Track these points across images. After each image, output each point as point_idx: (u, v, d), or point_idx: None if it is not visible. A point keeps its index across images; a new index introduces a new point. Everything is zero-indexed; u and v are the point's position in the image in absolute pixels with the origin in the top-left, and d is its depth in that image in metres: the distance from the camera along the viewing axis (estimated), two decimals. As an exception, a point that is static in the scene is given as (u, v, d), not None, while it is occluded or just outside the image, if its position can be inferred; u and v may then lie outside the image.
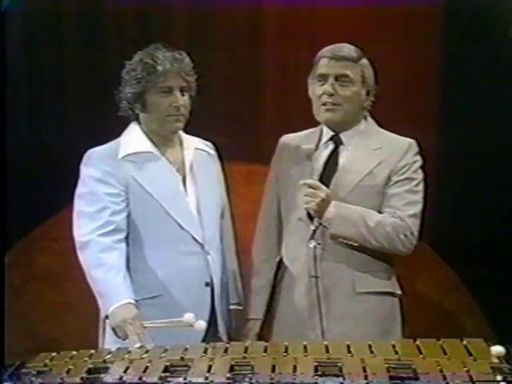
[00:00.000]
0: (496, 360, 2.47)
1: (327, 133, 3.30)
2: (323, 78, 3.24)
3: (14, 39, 4.53)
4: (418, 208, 3.21)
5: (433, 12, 4.49)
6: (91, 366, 2.58)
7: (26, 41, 4.66)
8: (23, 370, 2.60)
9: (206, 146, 3.40)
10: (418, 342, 2.59)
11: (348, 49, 3.25)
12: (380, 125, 3.36)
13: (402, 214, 3.17)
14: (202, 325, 2.81)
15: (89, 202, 3.16)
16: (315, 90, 3.26)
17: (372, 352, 2.55)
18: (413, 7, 4.38)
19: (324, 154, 3.28)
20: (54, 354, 2.70)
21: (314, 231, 3.21)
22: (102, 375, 2.53)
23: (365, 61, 3.27)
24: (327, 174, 3.24)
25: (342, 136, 3.27)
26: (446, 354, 2.51)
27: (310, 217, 3.21)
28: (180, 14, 4.71)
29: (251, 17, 4.66)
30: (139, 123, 3.28)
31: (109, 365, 2.58)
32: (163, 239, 3.21)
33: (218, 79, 4.49)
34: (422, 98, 4.60)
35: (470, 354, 2.50)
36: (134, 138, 3.26)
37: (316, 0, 4.52)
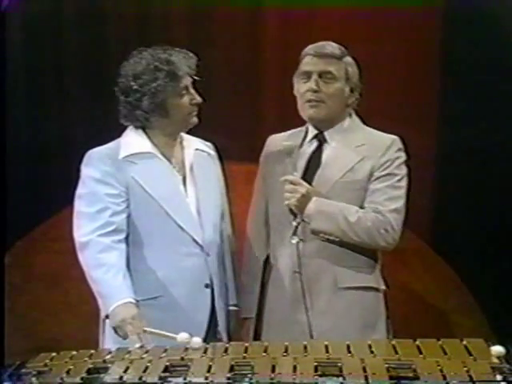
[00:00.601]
0: (496, 360, 2.47)
1: (312, 131, 3.33)
2: (307, 75, 3.27)
3: (13, 39, 4.53)
4: (400, 203, 3.22)
5: (433, 12, 4.49)
6: (91, 366, 2.58)
7: (25, 41, 4.66)
8: (23, 370, 2.59)
9: (206, 147, 3.40)
10: (418, 342, 2.59)
11: (331, 46, 3.29)
12: (365, 122, 3.37)
13: (383, 209, 3.19)
14: (197, 341, 2.78)
15: (89, 202, 3.16)
16: (299, 87, 3.29)
17: (372, 352, 2.55)
18: (413, 7, 4.38)
19: (308, 151, 3.31)
20: (53, 354, 2.70)
21: (296, 227, 3.23)
22: (102, 375, 2.53)
23: (348, 58, 3.30)
24: (310, 171, 3.27)
25: (326, 134, 3.30)
26: (446, 353, 2.51)
27: (293, 213, 3.23)
28: (180, 14, 4.71)
29: (251, 17, 4.67)
30: (143, 128, 3.27)
31: (109, 365, 2.58)
32: (163, 240, 3.21)
33: (218, 79, 4.49)
34: (421, 97, 4.61)
35: (470, 354, 2.50)
36: (134, 139, 3.26)
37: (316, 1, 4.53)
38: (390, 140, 3.28)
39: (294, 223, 3.24)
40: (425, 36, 4.55)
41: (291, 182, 3.20)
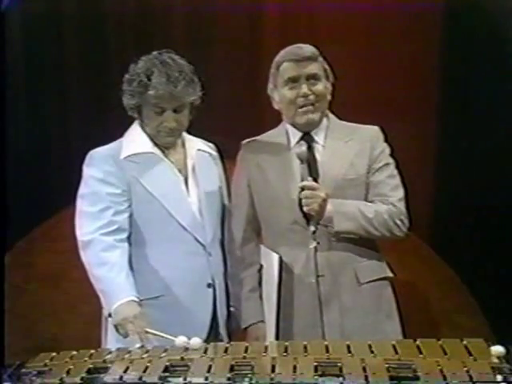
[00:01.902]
0: (496, 360, 2.47)
1: (294, 132, 3.30)
2: (293, 80, 3.25)
3: (13, 39, 4.53)
4: (402, 190, 3.27)
5: (433, 12, 4.49)
6: (91, 365, 2.59)
7: (25, 41, 4.66)
8: (23, 370, 2.60)
9: (207, 147, 3.41)
10: (418, 342, 2.59)
11: (308, 48, 3.28)
12: (339, 117, 3.37)
13: (392, 199, 3.22)
14: (197, 342, 2.77)
15: (91, 202, 3.17)
16: (285, 94, 3.26)
17: (372, 352, 2.56)
18: (413, 7, 4.38)
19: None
20: (53, 353, 2.71)
21: (314, 232, 3.19)
22: (102, 375, 2.53)
23: (321, 57, 3.30)
24: (312, 173, 3.21)
25: (313, 133, 3.29)
26: (446, 353, 2.51)
27: (307, 218, 3.20)
28: (180, 15, 4.70)
29: (251, 17, 4.67)
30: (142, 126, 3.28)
31: (109, 365, 2.59)
32: (165, 240, 3.21)
33: (218, 79, 4.49)
34: (421, 97, 4.60)
35: (470, 354, 2.50)
36: (135, 139, 3.27)
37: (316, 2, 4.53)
38: (375, 131, 3.31)
39: (312, 228, 3.19)
40: (425, 36, 4.55)
41: (309, 188, 3.14)
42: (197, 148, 3.35)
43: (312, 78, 3.25)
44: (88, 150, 3.25)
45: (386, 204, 3.21)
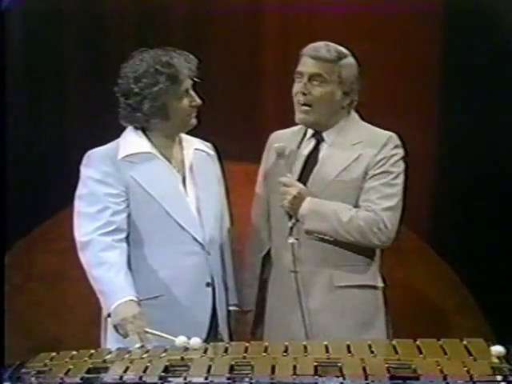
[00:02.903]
0: (496, 360, 2.47)
1: (309, 130, 3.33)
2: (300, 75, 3.25)
3: (13, 39, 4.53)
4: (394, 201, 3.20)
5: (433, 12, 4.49)
6: (91, 365, 2.58)
7: (25, 41, 4.66)
8: (23, 370, 2.60)
9: (205, 147, 3.41)
10: (418, 342, 2.59)
11: (326, 49, 3.24)
12: (363, 118, 3.35)
13: (376, 207, 3.18)
14: (196, 342, 2.78)
15: (89, 202, 3.16)
16: (294, 86, 3.28)
17: (372, 352, 2.55)
18: (413, 7, 4.39)
19: (306, 150, 3.31)
20: (53, 353, 2.70)
21: (291, 228, 3.24)
22: (102, 375, 2.53)
23: (345, 61, 3.25)
24: (307, 170, 3.27)
25: (324, 133, 3.29)
26: (446, 353, 2.51)
27: (289, 214, 3.24)
28: (180, 15, 4.71)
29: (251, 18, 4.67)
30: (143, 129, 3.27)
31: (109, 365, 2.58)
32: (163, 239, 3.21)
33: (218, 79, 4.49)
34: (421, 97, 4.61)
35: (470, 354, 2.50)
36: (133, 139, 3.26)
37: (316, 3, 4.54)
38: (386, 137, 3.26)
39: (290, 224, 3.25)
40: (425, 36, 4.55)
41: (284, 184, 3.21)
42: (194, 147, 3.35)
43: (315, 78, 3.23)
44: (88, 150, 3.25)
45: (368, 211, 3.18)
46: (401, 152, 3.26)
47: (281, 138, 3.36)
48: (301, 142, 3.33)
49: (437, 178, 4.61)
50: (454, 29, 4.53)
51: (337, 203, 3.20)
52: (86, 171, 3.21)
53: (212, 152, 3.43)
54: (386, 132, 3.29)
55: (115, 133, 3.30)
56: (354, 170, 3.22)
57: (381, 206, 3.18)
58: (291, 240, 3.24)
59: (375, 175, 3.21)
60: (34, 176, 4.62)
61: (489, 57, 4.40)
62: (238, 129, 4.58)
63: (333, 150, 3.27)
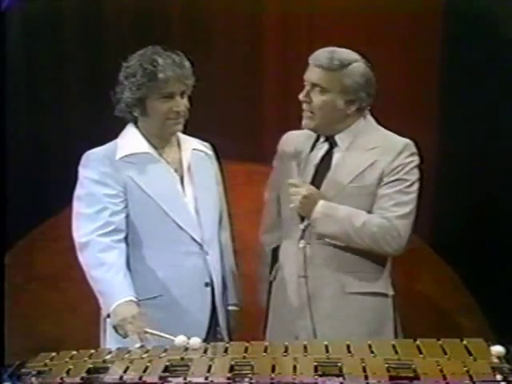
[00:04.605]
0: (496, 360, 2.48)
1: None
2: (306, 82, 3.23)
3: (14, 39, 4.53)
4: (408, 209, 3.18)
5: (433, 12, 4.49)
6: (91, 365, 2.59)
7: (25, 41, 4.66)
8: (23, 370, 2.60)
9: (203, 147, 3.41)
10: (418, 342, 2.59)
11: (329, 56, 3.19)
12: (379, 122, 3.33)
13: (390, 215, 3.15)
14: (196, 342, 2.78)
15: (88, 203, 3.16)
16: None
17: (372, 352, 2.56)
18: (413, 8, 4.39)
19: (319, 154, 3.27)
20: (53, 353, 2.71)
21: (304, 231, 3.22)
22: (102, 375, 2.53)
23: (349, 69, 3.19)
24: (320, 175, 3.24)
25: (337, 137, 3.25)
26: (446, 354, 2.52)
27: (301, 217, 3.22)
28: (180, 15, 4.71)
29: (251, 17, 4.67)
30: (136, 125, 3.27)
31: (109, 365, 2.59)
32: (162, 239, 3.21)
33: (218, 79, 4.49)
34: (421, 97, 4.61)
35: (470, 354, 2.51)
36: (131, 139, 3.26)
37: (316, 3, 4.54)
38: (403, 144, 3.22)
39: (301, 226, 3.22)
40: (425, 36, 4.55)
41: (294, 185, 3.18)
42: (192, 147, 3.35)
43: (317, 86, 3.20)
44: (88, 150, 3.25)
45: (382, 218, 3.15)
46: (416, 160, 3.23)
47: (294, 140, 3.34)
48: (314, 146, 3.29)
49: (437, 178, 4.60)
50: (454, 29, 4.53)
51: (350, 208, 3.17)
52: (84, 172, 3.21)
53: (210, 152, 3.43)
54: (403, 139, 3.25)
55: (115, 133, 3.30)
56: (368, 175, 3.19)
57: (395, 214, 3.15)
58: (302, 244, 3.22)
59: (390, 182, 3.18)
60: (34, 176, 4.62)
61: (489, 57, 4.40)
62: (238, 129, 4.58)
63: (347, 154, 3.23)
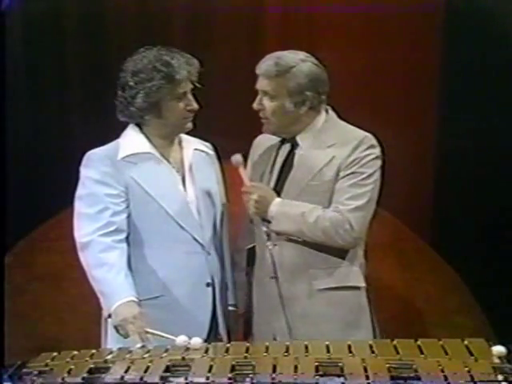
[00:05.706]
0: (497, 360, 2.48)
1: None
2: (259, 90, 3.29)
3: (14, 39, 4.53)
4: (362, 201, 3.19)
5: (434, 12, 4.50)
6: (92, 365, 2.58)
7: (25, 41, 4.66)
8: (24, 370, 2.60)
9: (204, 147, 3.41)
10: (419, 342, 2.59)
11: (270, 64, 3.23)
12: (340, 117, 3.33)
13: (342, 208, 3.17)
14: (197, 342, 2.78)
15: (89, 203, 3.17)
16: None
17: (373, 352, 2.56)
18: (413, 7, 4.39)
19: (283, 154, 3.31)
20: (54, 353, 2.70)
21: (267, 233, 3.25)
22: (103, 375, 2.53)
23: (293, 72, 3.21)
24: (283, 174, 3.28)
25: (298, 137, 3.29)
26: (447, 354, 2.52)
27: (264, 219, 3.25)
28: (180, 15, 4.71)
29: (251, 17, 4.67)
30: (138, 125, 3.27)
31: (110, 365, 2.58)
32: (163, 239, 3.21)
33: (218, 79, 4.49)
34: (421, 98, 4.61)
35: (471, 354, 2.50)
36: (132, 139, 3.26)
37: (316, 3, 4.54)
38: (360, 138, 3.23)
39: (264, 228, 3.25)
40: (425, 36, 4.56)
41: (246, 192, 3.23)
42: (193, 147, 3.36)
43: (265, 93, 3.25)
44: (88, 150, 3.25)
45: (335, 211, 3.17)
46: (375, 152, 3.24)
47: (262, 143, 3.39)
48: (280, 147, 3.34)
49: (437, 178, 4.61)
50: (454, 29, 4.53)
51: (306, 204, 3.20)
52: (85, 172, 3.21)
53: (211, 152, 3.43)
54: (361, 132, 3.26)
55: (116, 133, 3.30)
56: (327, 172, 3.22)
57: (348, 207, 3.17)
58: (270, 245, 3.24)
59: (346, 176, 3.20)
60: (35, 176, 4.62)
61: (489, 56, 4.40)
62: (238, 129, 4.57)
63: (307, 153, 3.26)
